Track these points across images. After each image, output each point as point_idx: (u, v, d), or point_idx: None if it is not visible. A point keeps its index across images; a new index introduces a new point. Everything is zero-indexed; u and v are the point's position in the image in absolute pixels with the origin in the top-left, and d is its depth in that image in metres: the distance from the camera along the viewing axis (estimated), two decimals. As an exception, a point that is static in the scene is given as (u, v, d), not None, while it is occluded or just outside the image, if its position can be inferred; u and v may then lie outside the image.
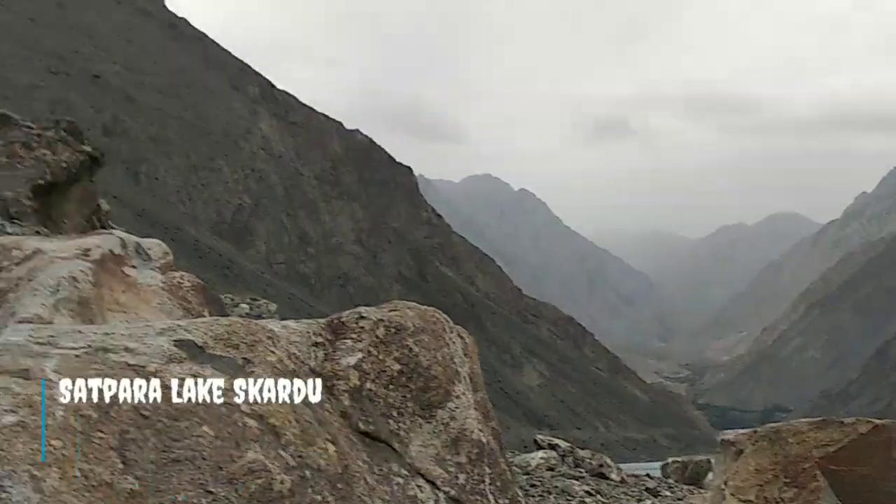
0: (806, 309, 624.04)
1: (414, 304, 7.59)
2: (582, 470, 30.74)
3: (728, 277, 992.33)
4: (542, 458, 31.18)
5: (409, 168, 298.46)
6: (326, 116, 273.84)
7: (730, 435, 10.81)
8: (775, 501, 10.05)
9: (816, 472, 10.04)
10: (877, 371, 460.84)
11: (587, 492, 26.29)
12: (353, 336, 6.95)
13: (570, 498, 24.65)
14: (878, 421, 10.34)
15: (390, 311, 7.25)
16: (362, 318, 7.07)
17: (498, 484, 7.33)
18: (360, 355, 6.86)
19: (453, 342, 7.53)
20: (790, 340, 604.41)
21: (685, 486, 35.03)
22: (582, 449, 34.90)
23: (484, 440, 7.35)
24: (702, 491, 31.22)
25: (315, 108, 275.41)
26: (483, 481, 7.21)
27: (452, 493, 6.92)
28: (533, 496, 24.03)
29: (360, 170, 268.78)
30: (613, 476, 31.24)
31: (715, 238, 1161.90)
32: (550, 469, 29.81)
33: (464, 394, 7.35)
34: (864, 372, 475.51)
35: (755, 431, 10.54)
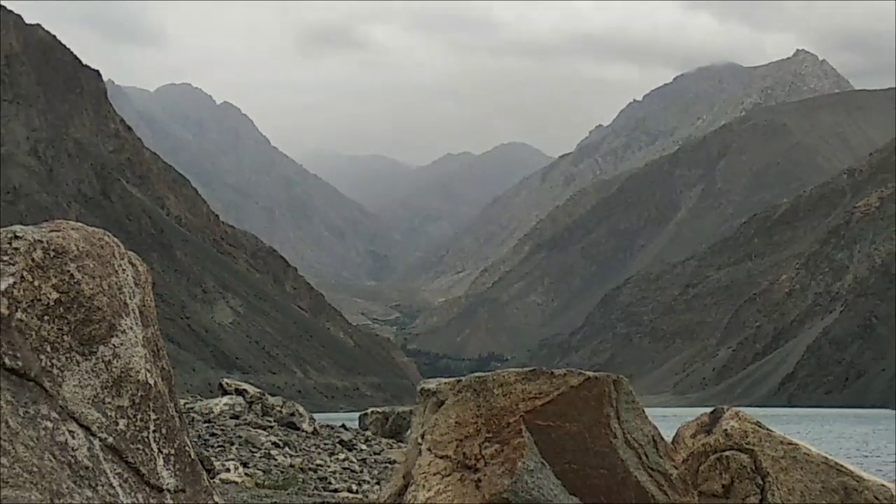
0: (530, 250, 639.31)
1: (80, 224, 7.52)
2: (271, 419, 31.04)
3: (450, 211, 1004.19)
4: (226, 404, 31.25)
5: (97, 72, 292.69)
6: (2, 7, 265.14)
7: (431, 384, 10.86)
8: (475, 458, 10.18)
9: (521, 426, 10.23)
10: (602, 321, 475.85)
11: (274, 443, 26.53)
12: (5, 258, 6.80)
13: (254, 449, 24.78)
14: (590, 374, 10.61)
15: (51, 231, 7.14)
16: (17, 237, 6.94)
17: (164, 431, 7.41)
18: (11, 280, 6.73)
19: (123, 270, 7.50)
20: (511, 284, 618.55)
21: (384, 440, 35.80)
22: (273, 396, 35.25)
23: (151, 382, 7.40)
24: (402, 445, 31.87)
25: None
26: (147, 428, 7.26)
27: (110, 440, 6.93)
28: (212, 446, 24.03)
29: (39, 71, 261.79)
30: (305, 426, 31.59)
31: (438, 167, 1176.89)
32: (235, 417, 29.96)
33: (131, 328, 7.35)
34: (588, 322, 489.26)
35: (459, 381, 10.64)
